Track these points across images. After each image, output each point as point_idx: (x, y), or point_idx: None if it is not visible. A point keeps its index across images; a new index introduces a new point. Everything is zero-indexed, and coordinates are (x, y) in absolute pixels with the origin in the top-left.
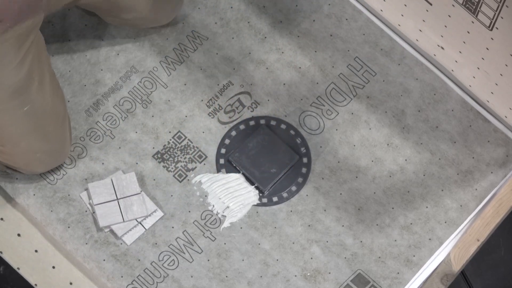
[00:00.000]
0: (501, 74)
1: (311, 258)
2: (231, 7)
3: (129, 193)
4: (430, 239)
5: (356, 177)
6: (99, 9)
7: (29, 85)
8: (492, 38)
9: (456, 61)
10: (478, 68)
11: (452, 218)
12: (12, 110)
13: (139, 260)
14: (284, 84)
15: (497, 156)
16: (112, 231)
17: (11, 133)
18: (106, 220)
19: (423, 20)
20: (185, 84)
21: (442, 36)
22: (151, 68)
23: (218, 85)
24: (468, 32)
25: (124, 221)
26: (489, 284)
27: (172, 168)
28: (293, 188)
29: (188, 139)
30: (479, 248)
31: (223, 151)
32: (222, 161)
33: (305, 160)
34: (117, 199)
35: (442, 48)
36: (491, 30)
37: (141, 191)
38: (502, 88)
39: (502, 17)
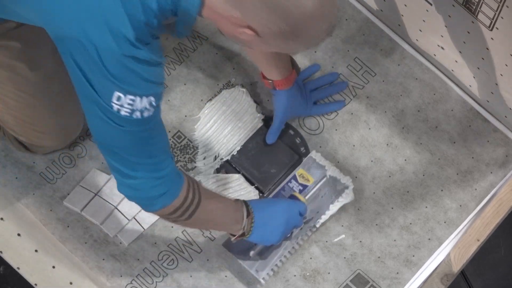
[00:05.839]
0: (501, 74)
1: (311, 258)
2: None
3: (102, 183)
4: (429, 239)
5: (356, 177)
6: None
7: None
8: (492, 38)
9: (456, 61)
10: (478, 68)
11: (452, 218)
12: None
13: (138, 259)
14: None
15: (497, 156)
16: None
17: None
18: (100, 216)
19: (423, 20)
20: (185, 84)
21: (442, 36)
22: None
23: (218, 85)
24: (468, 32)
25: (115, 207)
26: (489, 284)
27: None
28: None
29: (188, 139)
30: (479, 248)
31: None
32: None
33: (304, 159)
34: (96, 194)
35: (442, 48)
36: (491, 30)
37: (110, 177)
38: (502, 88)
39: (502, 17)
